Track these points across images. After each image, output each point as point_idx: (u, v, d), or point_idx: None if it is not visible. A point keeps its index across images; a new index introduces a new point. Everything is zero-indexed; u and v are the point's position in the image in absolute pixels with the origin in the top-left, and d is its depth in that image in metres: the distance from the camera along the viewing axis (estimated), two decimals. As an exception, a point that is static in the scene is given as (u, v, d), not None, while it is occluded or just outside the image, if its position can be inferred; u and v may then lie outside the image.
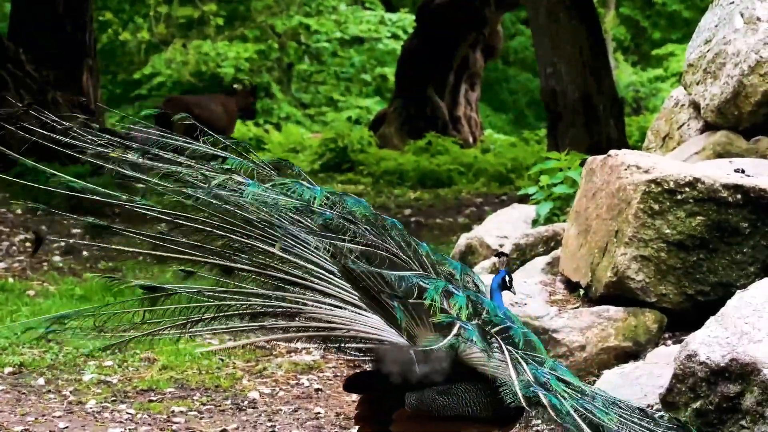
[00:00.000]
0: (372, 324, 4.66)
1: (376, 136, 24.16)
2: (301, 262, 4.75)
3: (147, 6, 33.08)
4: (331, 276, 4.73)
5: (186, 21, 33.60)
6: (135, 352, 7.76)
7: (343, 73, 34.87)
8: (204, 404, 6.77)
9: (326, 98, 34.43)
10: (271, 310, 4.79)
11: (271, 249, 4.77)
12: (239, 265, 4.80)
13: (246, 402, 6.82)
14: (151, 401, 6.80)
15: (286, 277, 4.77)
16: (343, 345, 4.80)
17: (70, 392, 6.96)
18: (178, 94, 26.99)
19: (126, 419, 6.47)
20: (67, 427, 6.28)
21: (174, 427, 6.36)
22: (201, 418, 6.51)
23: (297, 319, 4.80)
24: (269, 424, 6.41)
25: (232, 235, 4.81)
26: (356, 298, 4.66)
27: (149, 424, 6.38)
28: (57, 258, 11.72)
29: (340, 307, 4.71)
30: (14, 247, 12.39)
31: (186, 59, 32.41)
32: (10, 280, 10.37)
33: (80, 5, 18.94)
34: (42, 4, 18.40)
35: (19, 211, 14.20)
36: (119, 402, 6.77)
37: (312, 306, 4.74)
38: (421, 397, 4.47)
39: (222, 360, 7.69)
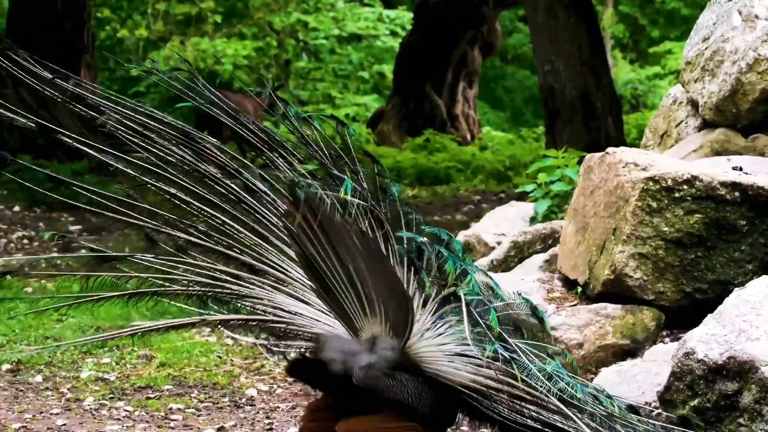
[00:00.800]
0: (314, 315, 4.56)
1: (374, 133, 24.19)
2: (258, 240, 4.65)
3: (145, 3, 33.08)
4: (288, 261, 4.61)
5: (184, 18, 33.60)
6: (133, 350, 7.77)
7: (341, 71, 34.86)
8: (202, 401, 6.78)
9: (324, 95, 34.43)
10: (217, 292, 4.69)
11: (231, 222, 4.67)
12: (193, 239, 4.70)
13: (244, 399, 6.82)
14: (148, 398, 6.80)
15: (238, 255, 4.67)
16: (285, 343, 4.70)
17: (68, 389, 6.96)
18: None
19: (124, 416, 6.47)
20: (65, 425, 6.28)
21: (171, 424, 6.36)
22: (199, 416, 6.51)
23: (241, 302, 4.69)
24: (267, 421, 6.41)
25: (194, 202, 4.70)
26: (308, 287, 4.53)
27: (147, 422, 6.38)
28: (55, 255, 11.71)
29: (290, 295, 4.60)
30: (12, 245, 12.39)
31: (184, 56, 32.38)
32: (8, 277, 10.36)
33: (78, 3, 18.94)
34: (41, 3, 18.39)
35: (17, 209, 14.20)
36: (117, 399, 6.78)
37: (258, 291, 4.64)
38: (368, 372, 4.35)
39: (220, 357, 7.69)
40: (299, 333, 4.61)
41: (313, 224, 4.19)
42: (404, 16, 33.77)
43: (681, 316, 6.27)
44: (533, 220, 9.01)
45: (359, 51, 34.73)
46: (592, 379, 6.08)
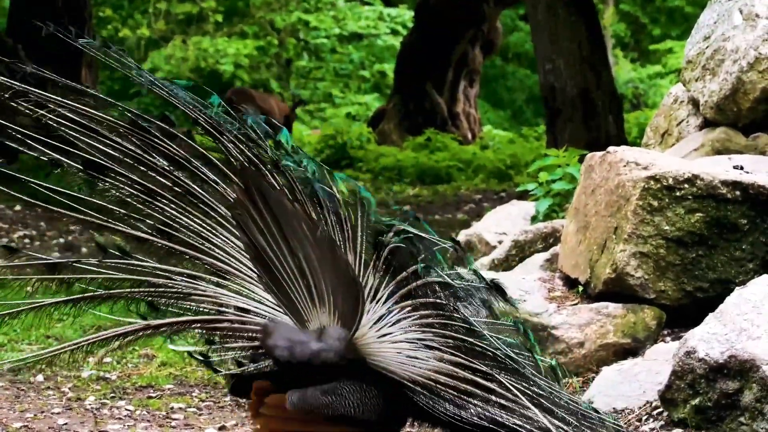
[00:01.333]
0: (261, 310, 4.39)
1: (375, 132, 24.19)
2: (206, 233, 4.44)
3: (146, 2, 33.10)
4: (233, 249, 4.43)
5: (185, 17, 33.62)
6: (134, 349, 7.76)
7: (342, 70, 34.90)
8: (203, 401, 6.78)
9: (325, 94, 34.46)
10: (162, 292, 4.50)
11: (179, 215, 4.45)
12: (139, 233, 4.49)
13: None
14: (150, 398, 6.80)
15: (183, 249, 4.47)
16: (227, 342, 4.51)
17: (69, 389, 6.96)
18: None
19: (125, 416, 6.47)
20: (66, 424, 6.28)
21: (173, 423, 6.36)
22: (200, 415, 6.51)
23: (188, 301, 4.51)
24: (268, 420, 6.40)
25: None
26: (256, 280, 4.36)
27: (148, 421, 6.38)
28: (56, 254, 11.72)
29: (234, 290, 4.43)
30: (13, 244, 12.38)
31: (185, 55, 32.43)
32: (9, 276, 10.35)
33: (79, 3, 18.96)
34: (41, 3, 18.42)
35: (18, 208, 14.20)
36: (118, 398, 6.77)
37: (204, 288, 4.45)
38: (303, 395, 4.21)
39: (221, 356, 7.68)
40: (244, 331, 4.45)
41: (264, 212, 4.08)
42: (405, 14, 33.79)
43: (682, 315, 6.27)
44: (534, 219, 9.01)
45: (360, 50, 34.76)
46: (593, 378, 6.08)
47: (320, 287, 4.21)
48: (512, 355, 4.33)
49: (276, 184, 4.32)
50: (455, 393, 4.28)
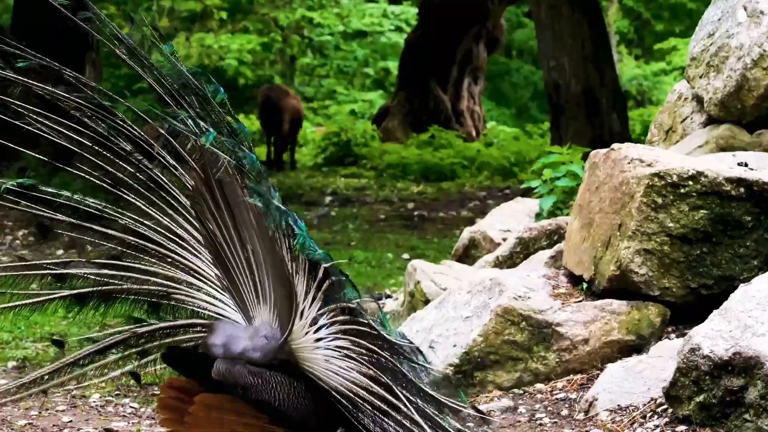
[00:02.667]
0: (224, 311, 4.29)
1: (379, 129, 24.21)
2: (175, 229, 4.30)
3: None
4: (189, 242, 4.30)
5: (189, 14, 33.62)
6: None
7: (346, 67, 34.90)
8: (207, 398, 6.77)
9: (329, 92, 34.47)
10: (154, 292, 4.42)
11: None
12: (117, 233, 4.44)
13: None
14: (154, 395, 6.80)
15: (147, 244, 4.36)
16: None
17: (74, 386, 6.96)
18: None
19: (129, 413, 6.48)
20: (71, 421, 6.28)
21: (177, 421, 6.36)
22: (204, 412, 6.50)
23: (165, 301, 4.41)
24: (272, 417, 6.40)
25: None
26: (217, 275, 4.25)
27: (152, 418, 6.38)
28: (60, 251, 11.73)
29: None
30: (17, 242, 12.40)
31: (189, 52, 32.42)
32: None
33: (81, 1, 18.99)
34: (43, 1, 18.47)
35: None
36: (123, 396, 6.78)
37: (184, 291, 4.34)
38: (231, 367, 4.08)
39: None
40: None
41: (219, 200, 3.96)
42: (409, 11, 33.79)
43: (686, 312, 6.27)
44: (539, 216, 9.00)
45: (364, 47, 34.77)
46: (598, 375, 6.08)
47: (264, 283, 4.10)
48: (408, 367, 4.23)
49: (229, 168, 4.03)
50: (371, 408, 4.18)
